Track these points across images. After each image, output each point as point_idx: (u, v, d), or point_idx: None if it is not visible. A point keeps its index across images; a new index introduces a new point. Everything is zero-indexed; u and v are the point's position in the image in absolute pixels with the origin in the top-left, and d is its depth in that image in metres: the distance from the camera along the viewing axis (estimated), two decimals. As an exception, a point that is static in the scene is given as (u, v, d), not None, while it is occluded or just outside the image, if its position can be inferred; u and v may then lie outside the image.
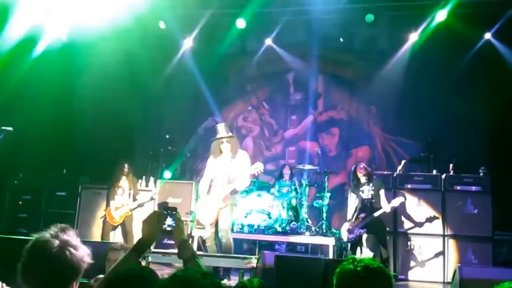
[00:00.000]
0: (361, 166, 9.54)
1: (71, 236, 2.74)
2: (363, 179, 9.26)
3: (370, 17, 11.80)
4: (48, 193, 11.89)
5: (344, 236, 9.34)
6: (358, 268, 2.55)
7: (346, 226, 9.39)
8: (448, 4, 11.07)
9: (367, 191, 9.06)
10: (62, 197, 11.79)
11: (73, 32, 10.63)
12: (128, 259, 3.04)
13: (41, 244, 2.66)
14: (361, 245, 9.35)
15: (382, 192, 9.23)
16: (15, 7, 9.87)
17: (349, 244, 9.29)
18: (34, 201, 11.86)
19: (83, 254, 2.73)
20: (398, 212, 9.80)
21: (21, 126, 9.44)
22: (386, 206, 8.95)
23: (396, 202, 8.95)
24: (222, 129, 8.29)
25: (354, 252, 9.17)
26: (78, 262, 2.69)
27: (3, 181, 11.76)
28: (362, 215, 9.11)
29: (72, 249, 2.67)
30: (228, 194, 8.04)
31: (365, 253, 9.34)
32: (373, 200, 9.02)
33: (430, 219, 9.74)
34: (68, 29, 10.56)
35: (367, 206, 9.07)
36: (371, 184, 9.09)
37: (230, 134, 8.34)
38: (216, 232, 8.12)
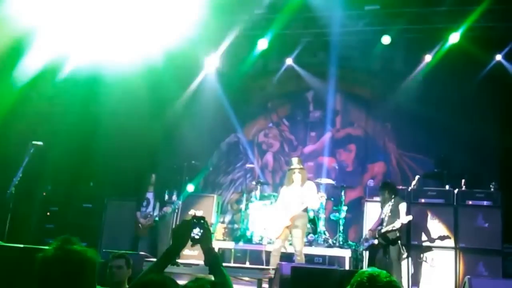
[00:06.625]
0: (385, 183, 10.01)
1: (74, 241, 2.82)
2: (386, 195, 9.60)
3: (387, 39, 12.15)
4: (75, 205, 12.00)
5: (362, 243, 9.82)
6: (364, 279, 2.62)
7: (365, 235, 9.82)
8: (461, 27, 11.36)
9: (387, 206, 9.44)
10: (88, 209, 11.91)
11: (100, 55, 10.86)
12: (155, 267, 3.08)
13: (54, 260, 2.70)
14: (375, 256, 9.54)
15: (401, 207, 9.36)
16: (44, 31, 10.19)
17: (366, 253, 9.67)
18: (61, 212, 11.95)
19: (90, 251, 2.80)
20: (412, 225, 9.96)
21: (51, 141, 9.84)
22: (396, 222, 9.12)
23: (405, 219, 9.12)
24: (295, 162, 9.61)
25: (371, 263, 9.36)
26: (92, 258, 2.76)
27: (32, 193, 11.67)
28: (380, 227, 9.46)
29: (80, 250, 2.75)
30: (296, 214, 9.16)
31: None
32: (390, 214, 9.30)
33: (442, 232, 9.90)
34: (95, 52, 10.81)
35: (384, 220, 9.41)
36: (392, 200, 9.44)
37: (301, 166, 9.54)
38: (283, 246, 9.46)
